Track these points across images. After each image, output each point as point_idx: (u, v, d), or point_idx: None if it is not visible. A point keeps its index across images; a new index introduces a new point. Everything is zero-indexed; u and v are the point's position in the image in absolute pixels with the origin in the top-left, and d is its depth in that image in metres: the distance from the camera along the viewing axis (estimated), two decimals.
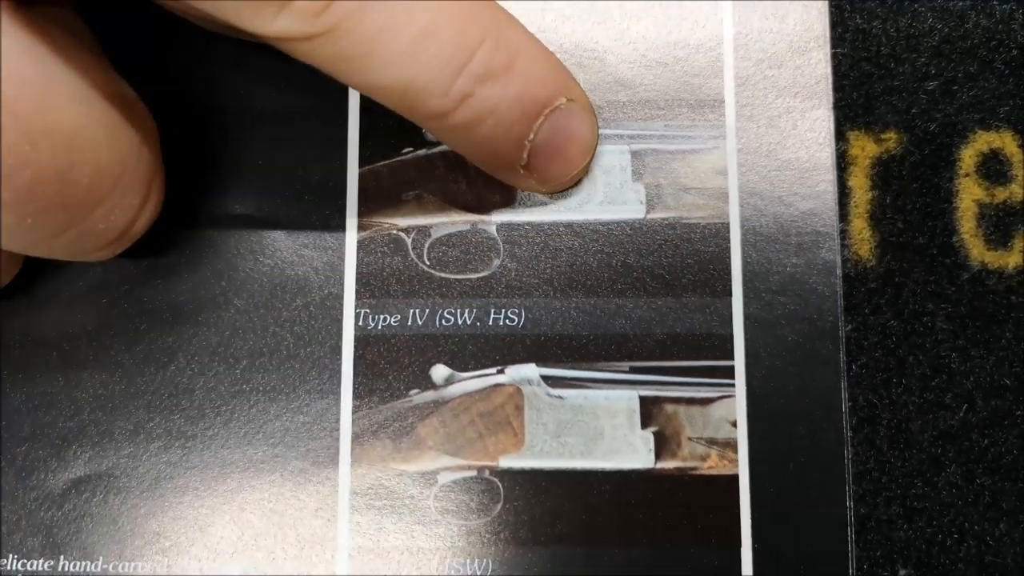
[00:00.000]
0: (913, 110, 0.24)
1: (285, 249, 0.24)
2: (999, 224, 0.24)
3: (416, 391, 0.24)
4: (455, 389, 0.24)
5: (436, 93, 0.20)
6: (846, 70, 0.25)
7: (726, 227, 0.24)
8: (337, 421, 0.24)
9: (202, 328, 0.24)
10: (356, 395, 0.24)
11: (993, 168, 0.24)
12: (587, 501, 0.23)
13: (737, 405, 0.23)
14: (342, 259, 0.24)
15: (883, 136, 0.24)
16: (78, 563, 0.24)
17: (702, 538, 0.23)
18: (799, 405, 0.23)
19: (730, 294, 0.24)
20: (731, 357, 0.24)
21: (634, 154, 0.24)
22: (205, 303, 0.24)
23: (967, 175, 0.24)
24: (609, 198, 0.24)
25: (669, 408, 0.24)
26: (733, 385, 0.24)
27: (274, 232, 0.24)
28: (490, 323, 0.24)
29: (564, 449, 0.23)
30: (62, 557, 0.24)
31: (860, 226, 0.24)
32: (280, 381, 0.24)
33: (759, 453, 0.23)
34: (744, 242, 0.24)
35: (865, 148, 0.24)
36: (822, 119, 0.24)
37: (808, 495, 0.23)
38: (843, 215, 0.24)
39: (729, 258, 0.24)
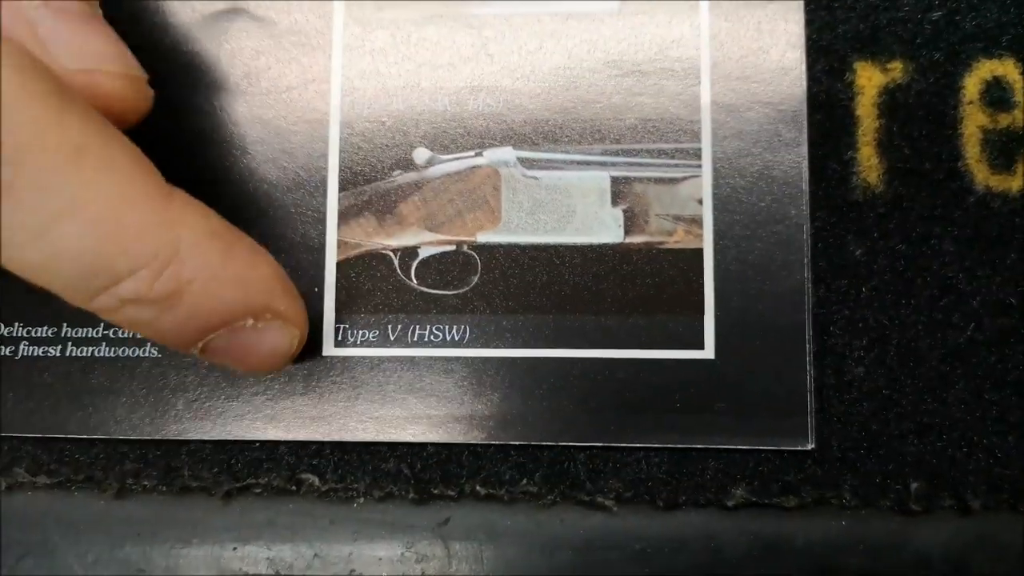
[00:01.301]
0: (918, 40, 0.24)
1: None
2: (1003, 149, 0.24)
3: (399, 172, 0.25)
4: (436, 170, 0.25)
5: (76, 299, 0.19)
6: (852, 2, 0.24)
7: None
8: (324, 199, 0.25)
9: None
10: (342, 176, 0.25)
11: (996, 95, 0.24)
12: (559, 273, 0.24)
13: (703, 184, 0.24)
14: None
15: (889, 66, 0.24)
16: (80, 330, 0.25)
17: (668, 307, 0.24)
18: (762, 184, 0.24)
19: (699, 82, 0.25)
20: (698, 139, 0.24)
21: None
22: None
23: (971, 102, 0.24)
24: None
25: (638, 187, 0.24)
26: (699, 165, 0.24)
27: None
28: (470, 109, 0.25)
29: (538, 225, 0.24)
30: (65, 324, 0.25)
31: (868, 153, 0.24)
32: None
33: (723, 228, 0.24)
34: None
35: (872, 78, 0.24)
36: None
37: (769, 267, 0.24)
38: (851, 143, 0.24)
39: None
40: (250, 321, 0.20)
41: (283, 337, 0.21)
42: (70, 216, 0.18)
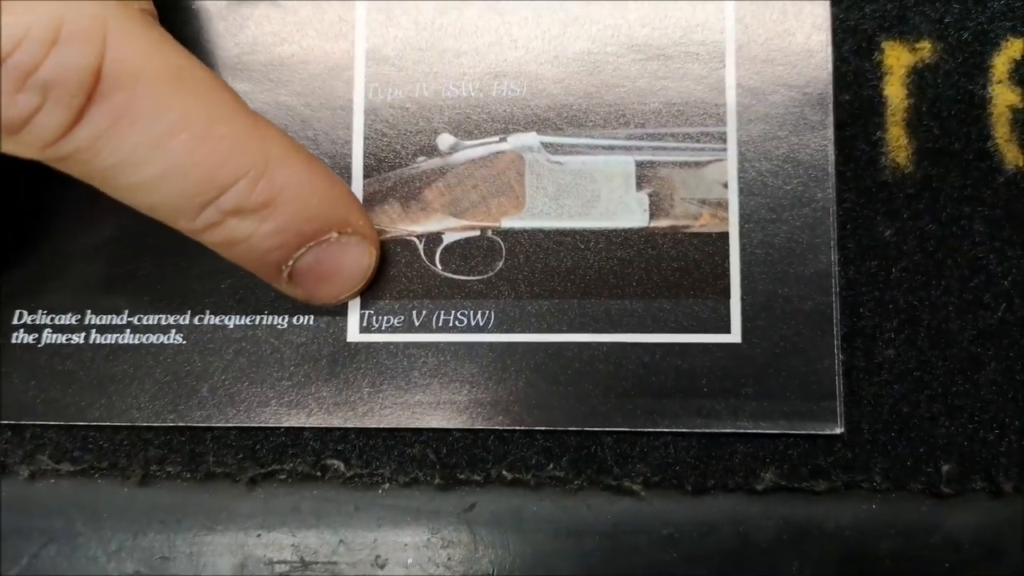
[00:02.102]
0: (946, 19, 0.24)
1: None
2: None
3: (423, 158, 0.25)
4: (460, 156, 0.24)
5: (181, 218, 0.20)
6: None
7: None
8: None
9: None
10: (366, 163, 0.25)
11: None
12: (584, 258, 0.24)
13: (728, 167, 0.24)
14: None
15: (917, 45, 0.24)
16: (104, 316, 0.25)
17: (694, 290, 0.24)
18: (788, 167, 0.24)
19: (723, 65, 0.24)
20: (723, 123, 0.24)
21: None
22: None
23: (1000, 82, 0.24)
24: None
25: (663, 171, 0.24)
26: (725, 149, 0.24)
27: None
28: (493, 95, 0.25)
29: (562, 210, 0.24)
30: (89, 311, 0.25)
31: (897, 134, 0.24)
32: None
33: (748, 211, 0.24)
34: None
35: (900, 57, 0.24)
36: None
37: (794, 249, 0.24)
38: (880, 124, 0.24)
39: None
40: (334, 235, 0.21)
41: (363, 252, 0.22)
42: (180, 131, 0.19)
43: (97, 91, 0.19)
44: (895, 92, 0.24)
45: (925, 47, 0.24)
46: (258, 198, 0.20)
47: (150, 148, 0.19)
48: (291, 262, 0.22)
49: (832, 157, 0.24)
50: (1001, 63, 0.24)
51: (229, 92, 0.21)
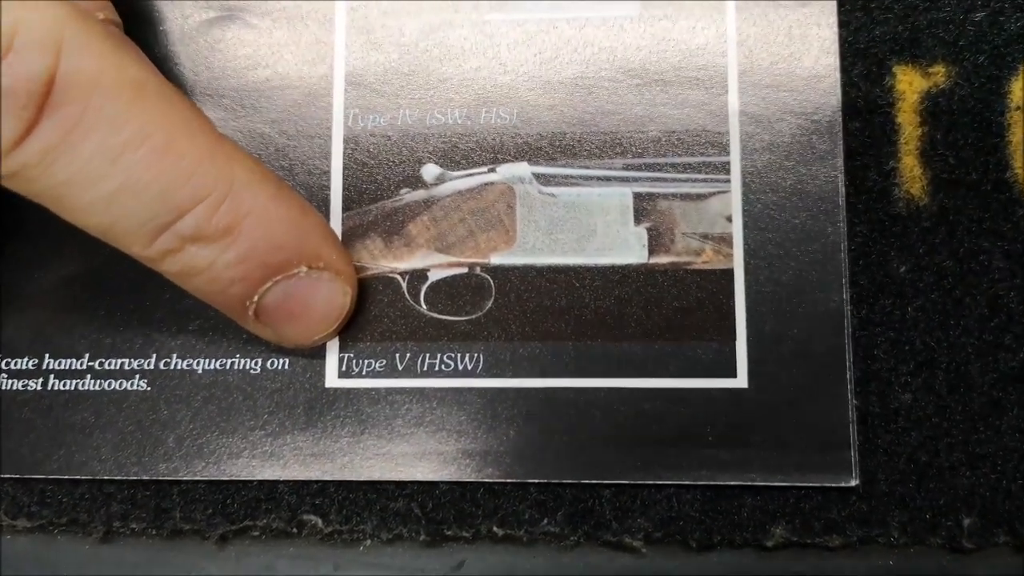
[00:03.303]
0: (961, 42, 0.23)
1: None
2: None
3: (407, 190, 0.23)
4: (446, 188, 0.23)
5: (136, 243, 0.19)
6: (890, 3, 0.24)
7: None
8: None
9: None
10: (346, 195, 0.23)
11: None
12: (579, 297, 0.23)
13: (732, 200, 0.23)
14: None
15: (931, 70, 0.23)
16: (63, 361, 0.23)
17: (697, 332, 0.23)
18: (795, 200, 0.23)
19: (726, 91, 0.23)
20: (726, 152, 0.23)
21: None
22: None
23: (1019, 108, 0.23)
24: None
25: (663, 204, 0.23)
26: (728, 180, 0.23)
27: None
28: (482, 122, 0.24)
29: (556, 246, 0.23)
30: (47, 355, 0.23)
31: (910, 163, 0.23)
32: None
33: (754, 247, 0.23)
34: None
35: (913, 83, 0.23)
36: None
37: (804, 287, 0.23)
38: (892, 153, 0.23)
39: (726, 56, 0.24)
40: (303, 269, 0.20)
41: (336, 289, 0.21)
42: (137, 147, 0.18)
43: (49, 102, 0.18)
44: (908, 119, 0.23)
45: (939, 71, 0.23)
46: (220, 223, 0.19)
47: (104, 163, 0.18)
48: (256, 297, 0.21)
49: (842, 189, 0.23)
50: (1019, 88, 0.23)
51: (193, 110, 0.20)
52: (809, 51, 0.23)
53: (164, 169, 0.19)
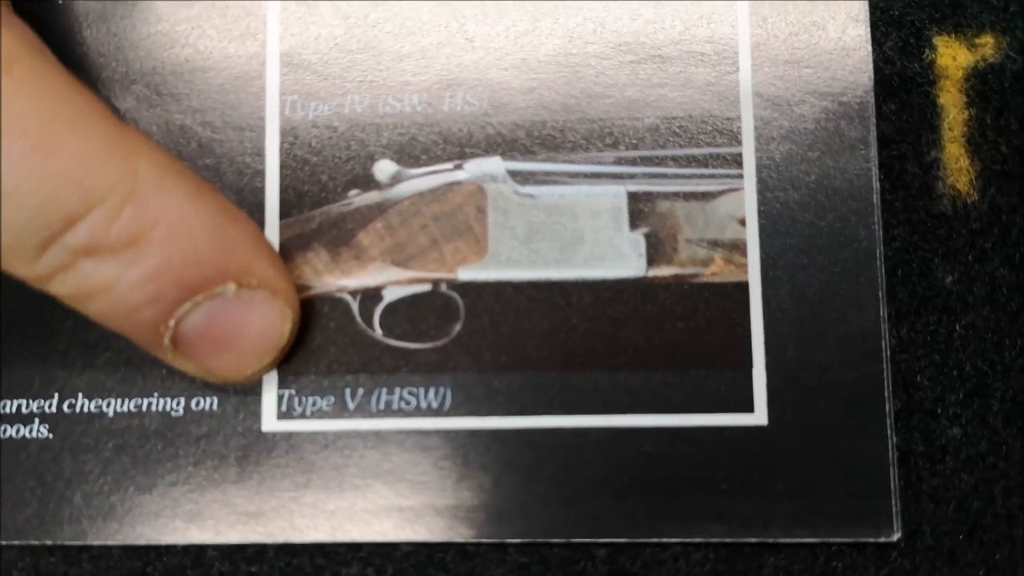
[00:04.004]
0: (1011, 7, 0.22)
1: None
2: None
3: (356, 192, 0.21)
4: (403, 189, 0.21)
5: (19, 261, 0.18)
6: None
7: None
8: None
9: None
10: (283, 198, 0.21)
11: None
12: (565, 318, 0.21)
13: (746, 199, 0.21)
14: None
15: (977, 41, 0.22)
16: None
17: (706, 358, 0.20)
18: (821, 198, 0.21)
19: (737, 68, 0.21)
20: (738, 142, 0.21)
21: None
22: None
23: None
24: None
25: (663, 205, 0.21)
26: (741, 176, 0.21)
27: None
28: (445, 110, 0.21)
29: (536, 257, 0.21)
30: None
31: (956, 153, 0.22)
32: None
33: (772, 255, 0.21)
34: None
35: (957, 57, 0.22)
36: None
37: (833, 303, 0.20)
38: (934, 140, 0.22)
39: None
40: (232, 287, 0.18)
41: (273, 312, 0.19)
42: (11, 143, 0.16)
43: None
44: (952, 100, 0.22)
45: (987, 43, 0.22)
46: (121, 233, 0.17)
47: None
48: (172, 322, 0.18)
49: (876, 184, 0.21)
50: None
51: (85, 94, 0.18)
52: (835, 20, 0.21)
53: (49, 171, 0.17)
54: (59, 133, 0.17)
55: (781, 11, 0.21)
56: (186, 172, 0.18)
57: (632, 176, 0.21)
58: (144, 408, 0.20)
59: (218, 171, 0.21)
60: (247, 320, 0.19)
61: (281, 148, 0.21)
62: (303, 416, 0.20)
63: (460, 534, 0.20)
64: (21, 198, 0.17)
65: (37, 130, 0.17)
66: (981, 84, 0.22)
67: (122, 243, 0.17)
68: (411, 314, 0.21)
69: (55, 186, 0.17)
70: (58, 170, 0.17)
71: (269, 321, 0.19)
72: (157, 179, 0.18)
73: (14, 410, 0.21)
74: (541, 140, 0.21)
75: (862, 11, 0.21)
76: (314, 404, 0.20)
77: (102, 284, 0.18)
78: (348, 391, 0.20)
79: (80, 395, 0.20)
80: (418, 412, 0.20)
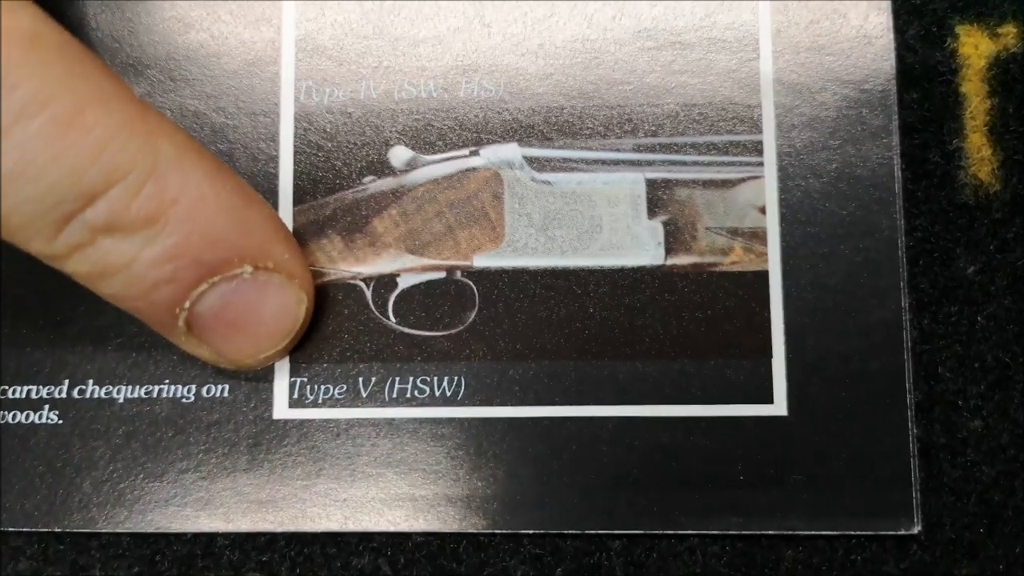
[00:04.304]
0: None
1: None
2: None
3: (371, 178, 0.21)
4: (418, 175, 0.21)
5: (36, 238, 0.17)
6: None
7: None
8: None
9: None
10: (297, 184, 0.21)
11: None
12: (581, 306, 0.20)
13: (766, 187, 0.20)
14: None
15: (1000, 30, 0.22)
16: None
17: (725, 348, 0.20)
18: (843, 186, 0.20)
19: (758, 55, 0.21)
20: (758, 130, 0.21)
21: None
22: None
23: None
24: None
25: (682, 192, 0.21)
26: (761, 163, 0.21)
27: None
28: (461, 95, 0.21)
29: (553, 244, 0.20)
30: None
31: (978, 142, 0.21)
32: None
33: (793, 244, 0.20)
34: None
35: (979, 46, 0.22)
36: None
37: (854, 293, 0.20)
38: (957, 129, 0.21)
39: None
40: (248, 269, 0.18)
41: (289, 296, 0.19)
42: (33, 115, 0.16)
43: None
44: (974, 89, 0.21)
45: (1010, 32, 0.21)
46: (140, 211, 0.17)
47: None
48: (188, 303, 0.18)
49: (898, 173, 0.20)
50: None
51: (106, 71, 0.17)
52: (857, 7, 0.21)
53: (69, 144, 0.16)
54: (82, 108, 0.16)
55: None
56: (205, 153, 0.18)
57: (651, 163, 0.20)
58: (155, 394, 0.20)
59: (232, 157, 0.21)
60: (262, 303, 0.19)
61: (295, 134, 0.21)
62: (315, 404, 0.20)
63: (473, 524, 0.19)
64: (41, 171, 0.16)
65: (60, 104, 0.16)
66: (1003, 73, 0.21)
67: (141, 220, 0.17)
68: (425, 302, 0.20)
69: (76, 160, 0.16)
70: (80, 144, 0.16)
71: (284, 305, 0.19)
72: (177, 158, 0.17)
73: (24, 395, 0.20)
74: (558, 126, 0.21)
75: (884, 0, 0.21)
76: (326, 392, 0.20)
77: (120, 263, 0.17)
78: (361, 379, 0.20)
79: (90, 381, 0.20)
80: (431, 401, 0.20)
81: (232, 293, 0.18)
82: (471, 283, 0.20)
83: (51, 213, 0.17)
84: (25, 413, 0.20)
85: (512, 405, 0.20)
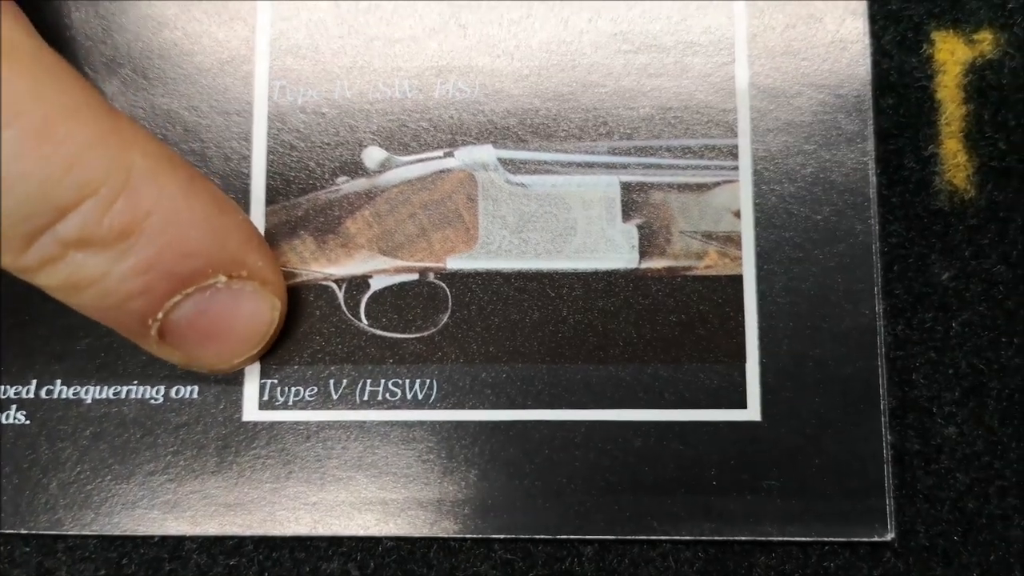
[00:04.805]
0: (1010, 4, 0.22)
1: None
2: None
3: (344, 179, 0.21)
4: (392, 176, 0.21)
5: (6, 251, 0.17)
6: None
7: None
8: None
9: None
10: (270, 184, 0.21)
11: None
12: (555, 309, 0.20)
13: (741, 191, 0.20)
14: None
15: (975, 37, 0.22)
16: None
17: (699, 352, 0.20)
18: (817, 191, 0.20)
19: (733, 59, 0.21)
20: (733, 133, 0.20)
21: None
22: None
23: None
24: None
25: (657, 196, 0.20)
26: (736, 168, 0.20)
27: None
28: (436, 96, 0.20)
29: (527, 247, 0.20)
30: None
31: (953, 148, 0.21)
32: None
33: (767, 248, 0.20)
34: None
35: (955, 52, 0.22)
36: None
37: (828, 298, 0.20)
38: (932, 135, 0.21)
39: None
40: (222, 279, 0.18)
41: (262, 303, 0.19)
42: (4, 126, 0.16)
43: None
44: (950, 95, 0.21)
45: (986, 39, 0.21)
46: (113, 225, 0.17)
47: None
48: (161, 314, 0.18)
49: (873, 178, 0.20)
50: None
51: (81, 83, 0.17)
52: (833, 12, 0.21)
53: (40, 157, 0.16)
54: (55, 121, 0.16)
55: (778, 3, 0.20)
56: (179, 163, 0.18)
57: (626, 166, 0.20)
58: (123, 395, 0.20)
59: (204, 156, 0.20)
60: (236, 311, 0.19)
61: (269, 133, 0.20)
62: (285, 406, 0.20)
63: (444, 529, 0.19)
64: (12, 185, 0.16)
65: (32, 117, 0.16)
66: (979, 80, 0.21)
67: (114, 235, 0.17)
68: (398, 304, 0.20)
69: (48, 174, 0.16)
70: (52, 158, 0.16)
71: (258, 312, 0.19)
72: (151, 170, 0.17)
73: None
74: (533, 128, 0.20)
75: (860, 5, 0.21)
76: (297, 394, 0.20)
77: (92, 276, 0.17)
78: (332, 381, 0.20)
79: (58, 381, 0.20)
80: (403, 403, 0.20)
81: (205, 302, 0.18)
82: (444, 285, 0.20)
83: (21, 227, 0.16)
84: None
85: (484, 408, 0.20)
